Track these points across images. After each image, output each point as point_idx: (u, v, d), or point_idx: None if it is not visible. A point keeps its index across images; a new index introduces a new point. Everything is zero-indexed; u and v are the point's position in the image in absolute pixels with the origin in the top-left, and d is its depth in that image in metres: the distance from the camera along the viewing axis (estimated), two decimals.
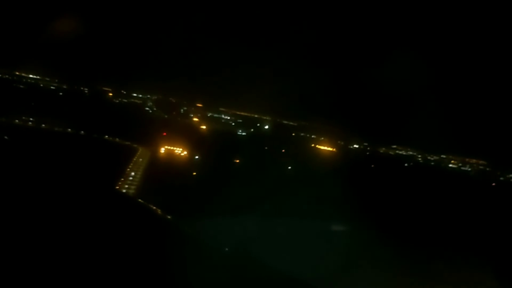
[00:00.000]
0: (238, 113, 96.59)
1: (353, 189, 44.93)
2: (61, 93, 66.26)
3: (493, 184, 67.06)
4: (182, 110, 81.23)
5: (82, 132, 44.28)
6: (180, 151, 46.12)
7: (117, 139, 45.40)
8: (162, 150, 45.21)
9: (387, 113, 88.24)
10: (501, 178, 67.69)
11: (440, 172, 68.97)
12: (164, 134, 48.52)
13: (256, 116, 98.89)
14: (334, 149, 71.65)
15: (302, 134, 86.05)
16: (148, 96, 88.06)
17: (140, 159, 38.86)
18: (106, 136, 45.29)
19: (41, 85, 69.51)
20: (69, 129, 44.24)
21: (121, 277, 5.89)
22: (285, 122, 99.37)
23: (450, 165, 72.81)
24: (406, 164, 70.38)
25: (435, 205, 48.56)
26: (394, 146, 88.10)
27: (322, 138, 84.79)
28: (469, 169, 70.66)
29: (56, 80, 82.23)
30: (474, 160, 79.63)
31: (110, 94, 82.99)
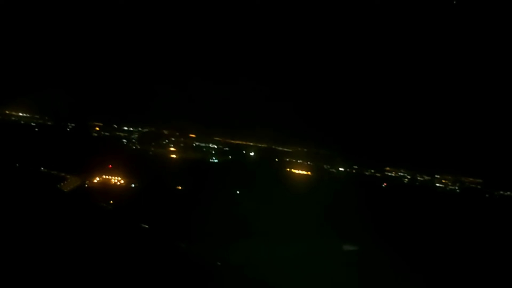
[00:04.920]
0: (232, 141, 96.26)
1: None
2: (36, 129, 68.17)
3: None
4: (164, 141, 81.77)
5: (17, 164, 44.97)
6: (117, 180, 46.05)
7: (53, 171, 45.87)
8: (96, 179, 45.26)
9: (383, 134, 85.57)
10: (487, 195, 63.77)
11: (419, 192, 66.41)
12: (110, 166, 48.56)
13: (251, 144, 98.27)
14: (309, 173, 69.75)
15: (287, 159, 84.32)
16: (139, 129, 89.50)
17: None
18: (42, 168, 45.85)
19: (22, 122, 71.92)
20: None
21: None
22: (280, 148, 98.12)
23: (438, 185, 69.08)
24: (384, 184, 67.52)
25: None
26: (387, 168, 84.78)
27: (309, 163, 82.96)
28: (456, 188, 66.80)
29: (46, 118, 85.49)
30: (470, 179, 75.44)
31: (97, 128, 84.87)
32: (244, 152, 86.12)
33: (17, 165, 45.34)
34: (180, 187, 49.57)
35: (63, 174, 45.63)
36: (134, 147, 71.47)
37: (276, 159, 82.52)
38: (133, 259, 21.11)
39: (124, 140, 76.54)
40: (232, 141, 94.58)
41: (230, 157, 79.89)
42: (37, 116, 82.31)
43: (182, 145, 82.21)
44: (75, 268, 19.32)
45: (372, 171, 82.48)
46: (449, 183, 72.99)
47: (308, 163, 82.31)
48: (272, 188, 56.92)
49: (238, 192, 52.37)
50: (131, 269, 19.80)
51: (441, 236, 44.63)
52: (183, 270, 21.83)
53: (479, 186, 71.24)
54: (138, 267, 20.10)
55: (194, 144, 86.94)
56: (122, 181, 45.50)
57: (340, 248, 34.20)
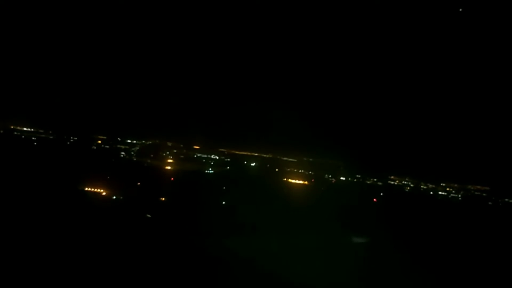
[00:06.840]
0: (237, 152, 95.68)
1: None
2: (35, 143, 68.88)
3: None
4: (164, 153, 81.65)
5: None
6: (99, 192, 45.87)
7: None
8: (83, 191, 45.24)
9: (387, 143, 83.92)
10: (489, 203, 61.73)
11: (417, 200, 64.95)
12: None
13: (256, 154, 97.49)
14: (306, 182, 68.85)
15: (288, 169, 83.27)
16: (143, 141, 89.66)
17: None
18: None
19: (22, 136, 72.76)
20: None
21: None
22: (285, 158, 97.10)
23: (440, 193, 67.17)
24: (381, 194, 66.19)
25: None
26: (392, 177, 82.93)
27: (310, 172, 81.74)
28: (459, 196, 64.78)
29: (50, 132, 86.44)
30: (477, 187, 73.25)
31: (99, 141, 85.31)
32: (245, 162, 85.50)
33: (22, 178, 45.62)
34: (176, 196, 49.29)
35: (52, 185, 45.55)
36: (131, 160, 71.53)
37: (277, 169, 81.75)
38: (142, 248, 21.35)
39: (123, 153, 76.71)
40: (237, 152, 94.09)
41: (228, 167, 79.44)
42: (41, 131, 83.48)
43: (182, 156, 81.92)
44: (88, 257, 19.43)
45: (375, 179, 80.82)
46: (453, 191, 70.91)
47: (311, 172, 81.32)
48: (273, 195, 56.90)
49: (237, 197, 52.09)
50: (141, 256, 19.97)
51: (447, 245, 43.45)
52: (191, 260, 21.94)
53: (484, 194, 69.00)
54: (147, 255, 20.29)
55: (195, 156, 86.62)
56: (104, 193, 45.22)
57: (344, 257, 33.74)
